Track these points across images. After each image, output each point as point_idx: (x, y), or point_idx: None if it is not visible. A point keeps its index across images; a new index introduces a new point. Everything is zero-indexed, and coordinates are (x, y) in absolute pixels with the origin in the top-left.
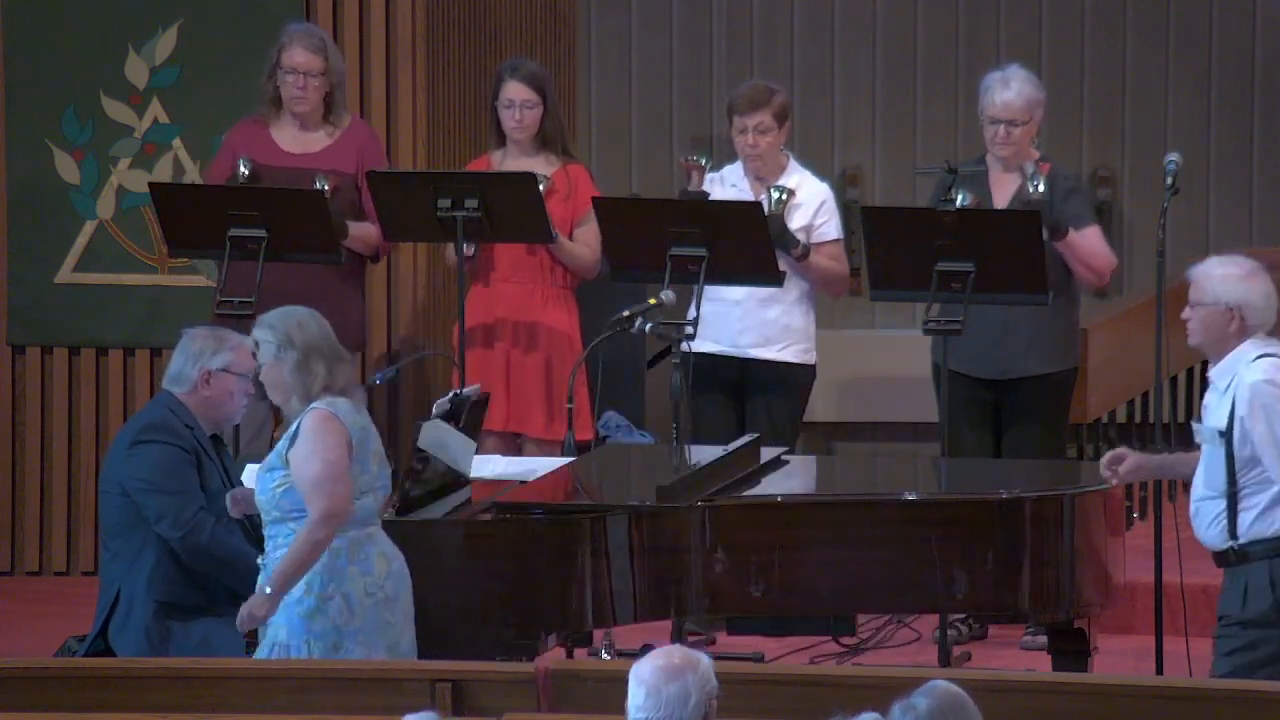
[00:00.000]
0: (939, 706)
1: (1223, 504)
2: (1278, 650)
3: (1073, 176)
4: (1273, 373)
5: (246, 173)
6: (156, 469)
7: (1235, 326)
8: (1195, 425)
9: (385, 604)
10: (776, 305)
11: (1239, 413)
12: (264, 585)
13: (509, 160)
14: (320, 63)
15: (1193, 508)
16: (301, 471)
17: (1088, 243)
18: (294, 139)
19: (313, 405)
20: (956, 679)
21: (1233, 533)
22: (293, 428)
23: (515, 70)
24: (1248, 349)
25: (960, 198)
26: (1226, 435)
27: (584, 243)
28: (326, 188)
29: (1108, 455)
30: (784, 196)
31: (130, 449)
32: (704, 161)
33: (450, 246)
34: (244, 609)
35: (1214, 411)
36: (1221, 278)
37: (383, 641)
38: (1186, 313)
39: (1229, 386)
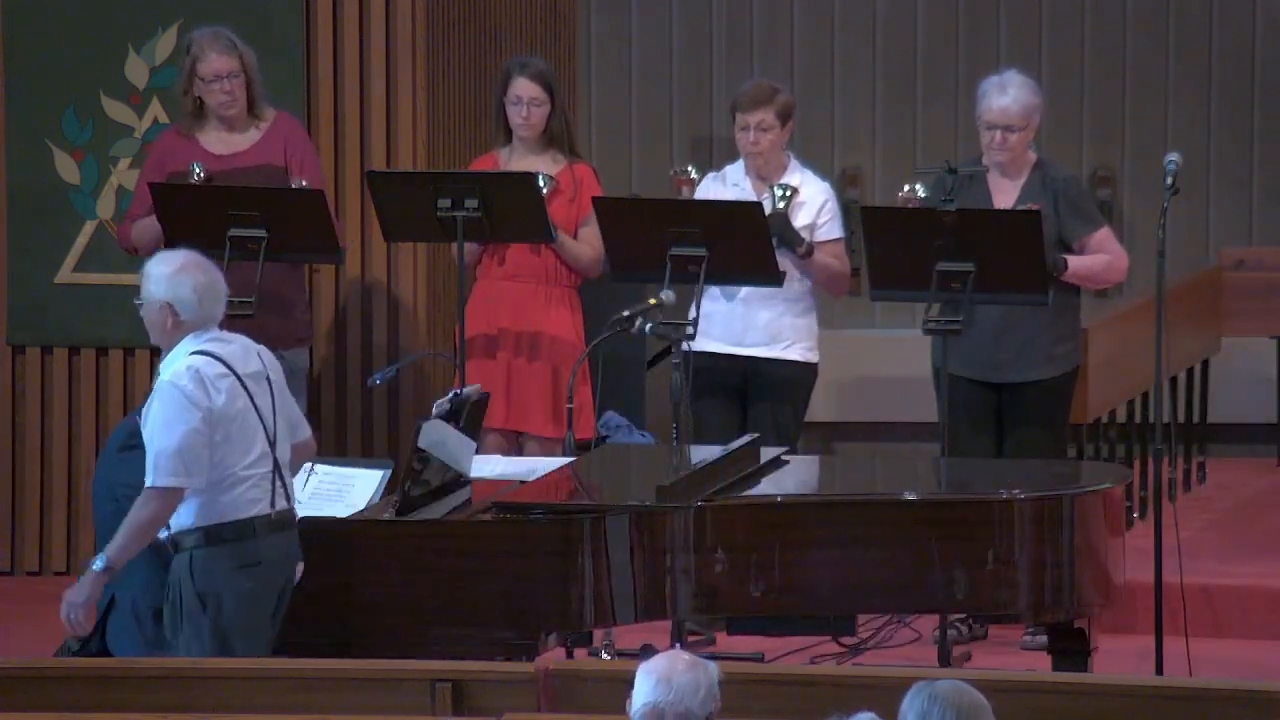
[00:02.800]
0: (960, 711)
1: None
2: (194, 637)
3: (1072, 180)
4: (183, 374)
5: (201, 175)
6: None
7: (171, 322)
8: None
9: None
10: (779, 304)
11: None
12: None
13: (515, 158)
14: (236, 63)
15: None
16: None
17: (1089, 268)
18: (220, 142)
19: None
20: (956, 679)
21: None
22: None
23: (524, 67)
24: (187, 344)
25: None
26: None
27: (587, 242)
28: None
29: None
30: (787, 194)
31: (120, 453)
32: (694, 174)
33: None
34: None
35: None
36: (154, 276)
37: None
38: None
39: None
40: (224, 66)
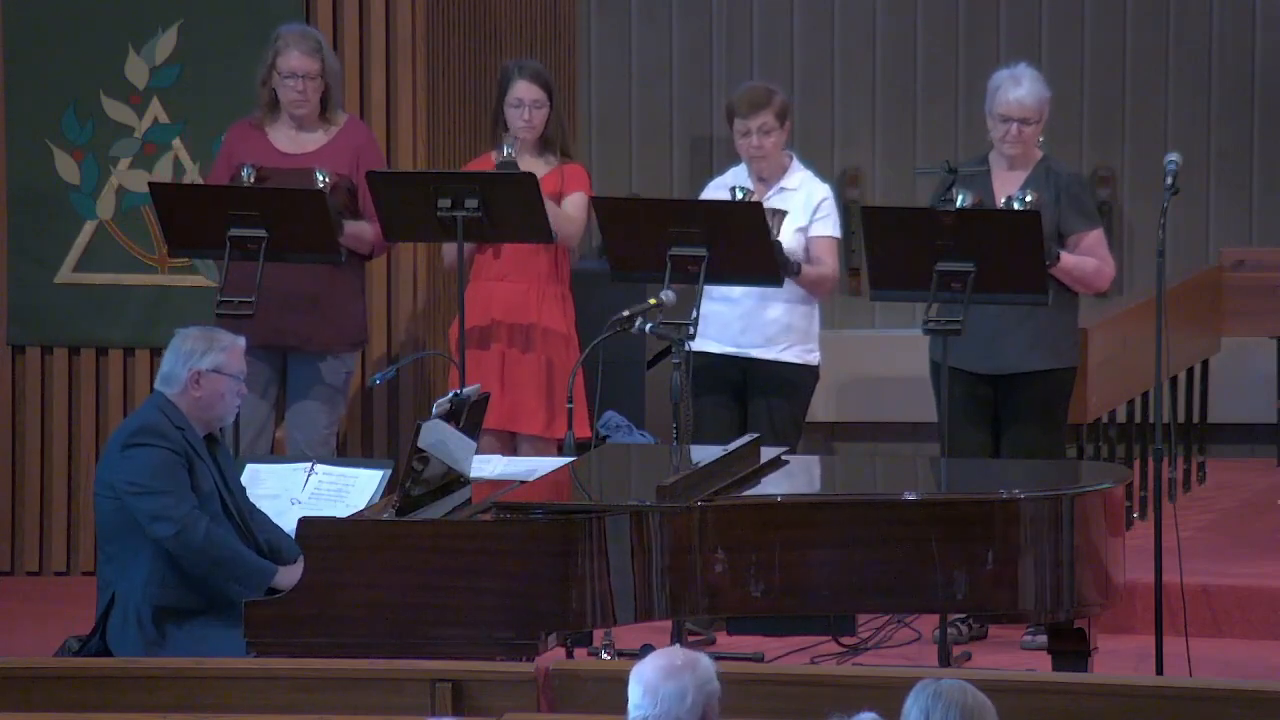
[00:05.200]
0: (964, 710)
1: None
2: None
3: (1075, 177)
4: None
5: (251, 178)
6: (146, 471)
7: None
8: None
9: None
10: (779, 305)
11: None
12: None
13: None
14: (317, 65)
15: None
16: None
17: (1079, 267)
18: (290, 139)
19: None
20: (956, 679)
21: None
22: None
23: (523, 70)
24: None
25: (960, 198)
26: None
27: (568, 214)
28: (326, 180)
29: None
30: (775, 218)
31: (121, 453)
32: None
33: (446, 247)
34: None
35: None
36: None
37: None
38: None
39: None
40: (301, 66)
